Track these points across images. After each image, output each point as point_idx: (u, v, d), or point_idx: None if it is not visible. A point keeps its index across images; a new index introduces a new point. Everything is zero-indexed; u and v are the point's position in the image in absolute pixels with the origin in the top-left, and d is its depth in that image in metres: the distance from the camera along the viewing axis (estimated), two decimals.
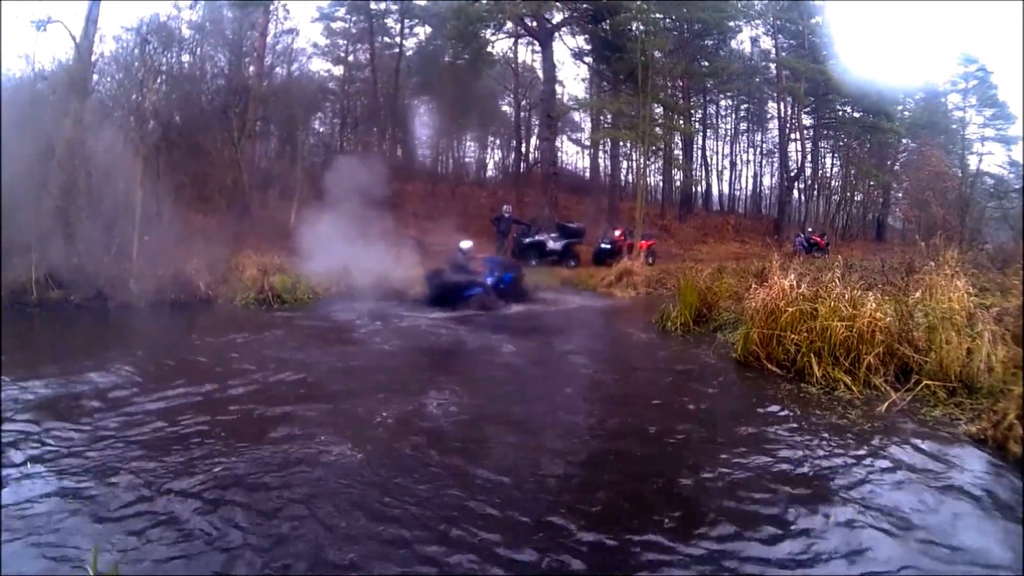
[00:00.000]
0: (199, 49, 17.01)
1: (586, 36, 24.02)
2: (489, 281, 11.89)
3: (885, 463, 4.25)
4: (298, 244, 12.80)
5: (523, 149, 24.83)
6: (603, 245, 17.85)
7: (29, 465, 4.02)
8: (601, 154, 26.66)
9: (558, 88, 23.40)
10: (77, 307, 12.32)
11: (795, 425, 5.01)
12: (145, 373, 6.41)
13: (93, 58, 15.19)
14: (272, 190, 14.77)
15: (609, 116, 24.51)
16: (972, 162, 25.78)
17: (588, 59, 25.24)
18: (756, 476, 4.02)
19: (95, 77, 15.36)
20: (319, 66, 21.28)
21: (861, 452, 4.45)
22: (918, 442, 4.60)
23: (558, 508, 3.59)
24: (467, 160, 24.65)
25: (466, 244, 12.30)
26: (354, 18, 22.23)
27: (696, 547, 3.21)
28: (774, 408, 5.47)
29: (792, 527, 3.41)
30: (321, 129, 18.07)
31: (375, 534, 3.29)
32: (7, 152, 12.99)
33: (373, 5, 22.11)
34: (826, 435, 4.77)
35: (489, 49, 23.06)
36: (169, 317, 11.12)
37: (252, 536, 3.25)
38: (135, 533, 3.26)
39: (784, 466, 4.20)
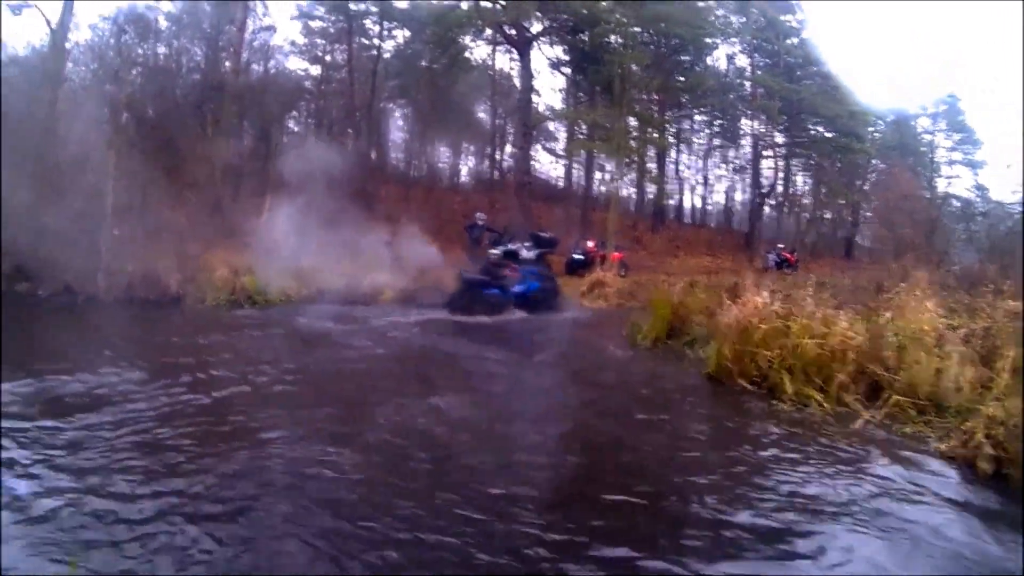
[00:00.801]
0: (175, 42, 16.59)
1: (564, 47, 24.12)
2: (518, 288, 11.90)
3: (869, 479, 4.22)
4: (270, 243, 12.55)
5: (497, 156, 24.76)
6: (575, 256, 17.80)
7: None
8: (575, 164, 26.75)
9: (534, 97, 23.41)
10: (45, 300, 12.07)
11: (773, 442, 4.96)
12: (119, 375, 6.16)
13: (68, 46, 14.83)
14: (243, 187, 14.48)
15: (584, 127, 24.66)
16: (940, 185, 26.40)
17: (566, 69, 25.35)
18: (740, 495, 3.94)
19: (69, 65, 14.98)
20: (296, 64, 21.01)
21: (847, 468, 4.41)
22: (896, 458, 4.58)
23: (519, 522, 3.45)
24: (441, 165, 24.48)
25: (496, 251, 12.51)
26: (333, 17, 21.94)
27: (682, 567, 3.11)
28: (752, 425, 5.43)
29: (792, 546, 3.34)
30: (296, 129, 17.79)
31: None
32: None
33: (352, 5, 21.87)
34: (807, 451, 4.73)
35: (467, 55, 23.07)
36: (139, 315, 10.86)
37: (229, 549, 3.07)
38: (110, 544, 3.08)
39: (768, 483, 4.13)
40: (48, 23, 14.12)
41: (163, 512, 3.41)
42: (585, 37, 22.22)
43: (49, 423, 4.70)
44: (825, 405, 5.78)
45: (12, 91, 14.32)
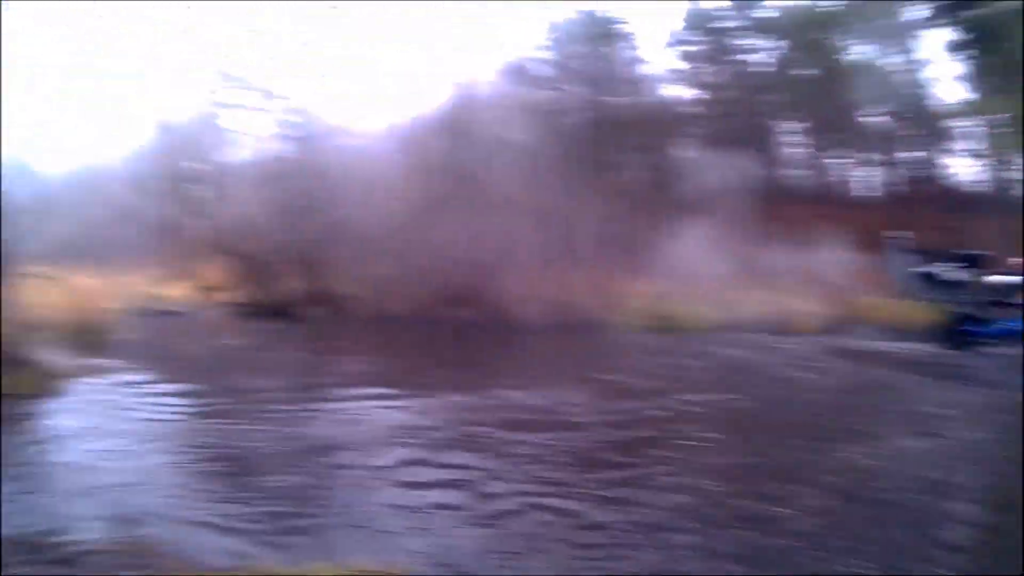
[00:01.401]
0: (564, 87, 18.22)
1: (957, 27, 20.38)
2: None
3: None
4: (682, 270, 12.62)
5: (900, 163, 21.86)
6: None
7: None
8: (989, 164, 22.39)
9: (931, 91, 20.31)
10: (476, 325, 13.63)
11: None
12: (564, 393, 7.07)
13: None
14: (649, 214, 14.97)
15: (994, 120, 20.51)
16: None
17: (961, 55, 21.42)
18: None
19: None
20: (675, 91, 21.39)
21: None
22: None
23: None
24: (838, 178, 22.48)
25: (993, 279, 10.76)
26: (707, 39, 21.90)
27: None
28: None
29: None
30: (689, 153, 18.03)
31: None
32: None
33: (723, 24, 21.62)
34: None
35: (849, 55, 21.04)
36: (562, 339, 11.61)
37: None
38: None
39: None
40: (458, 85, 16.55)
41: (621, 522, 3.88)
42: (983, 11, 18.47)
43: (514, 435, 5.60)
44: None
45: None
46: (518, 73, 19.15)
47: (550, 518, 4.10)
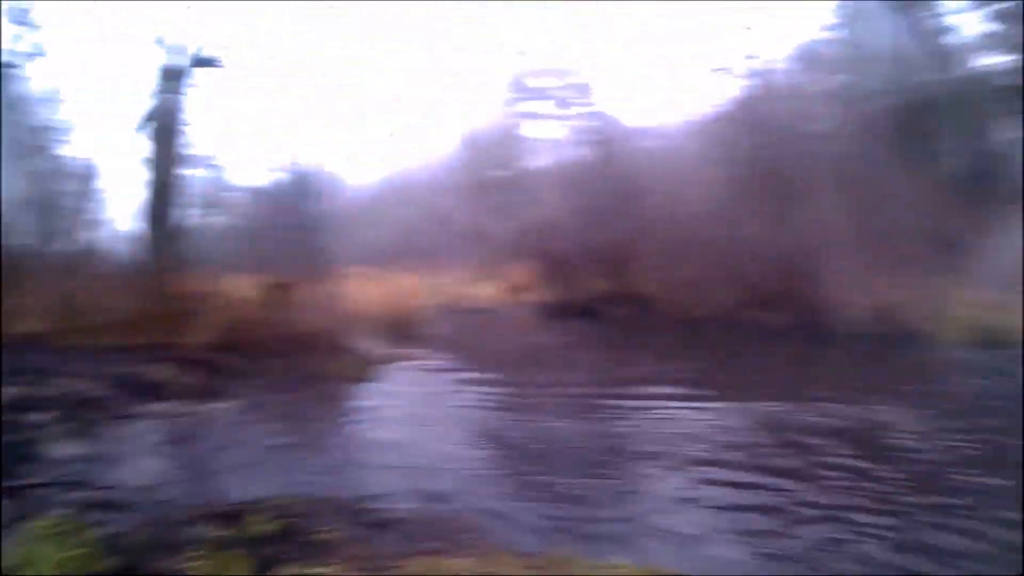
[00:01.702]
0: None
1: None
2: None
3: None
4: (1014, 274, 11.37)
5: None
6: None
7: None
8: None
9: None
10: (776, 329, 13.26)
11: None
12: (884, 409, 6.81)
13: None
14: (983, 213, 13.45)
15: None
16: None
17: None
18: None
19: None
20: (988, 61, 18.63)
21: None
22: None
23: None
24: None
25: None
26: None
27: None
28: None
29: None
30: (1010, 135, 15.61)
31: None
32: None
33: None
34: None
35: None
36: (874, 350, 10.84)
37: None
38: None
39: None
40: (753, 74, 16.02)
41: None
42: None
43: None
44: None
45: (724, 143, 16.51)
46: (810, 57, 18.10)
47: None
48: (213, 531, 3.30)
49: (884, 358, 10.59)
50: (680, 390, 8.10)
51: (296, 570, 3.01)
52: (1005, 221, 13.24)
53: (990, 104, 16.74)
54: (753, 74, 16.23)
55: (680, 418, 6.87)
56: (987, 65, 18.86)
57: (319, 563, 3.07)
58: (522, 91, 19.47)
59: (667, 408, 7.25)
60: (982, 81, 18.07)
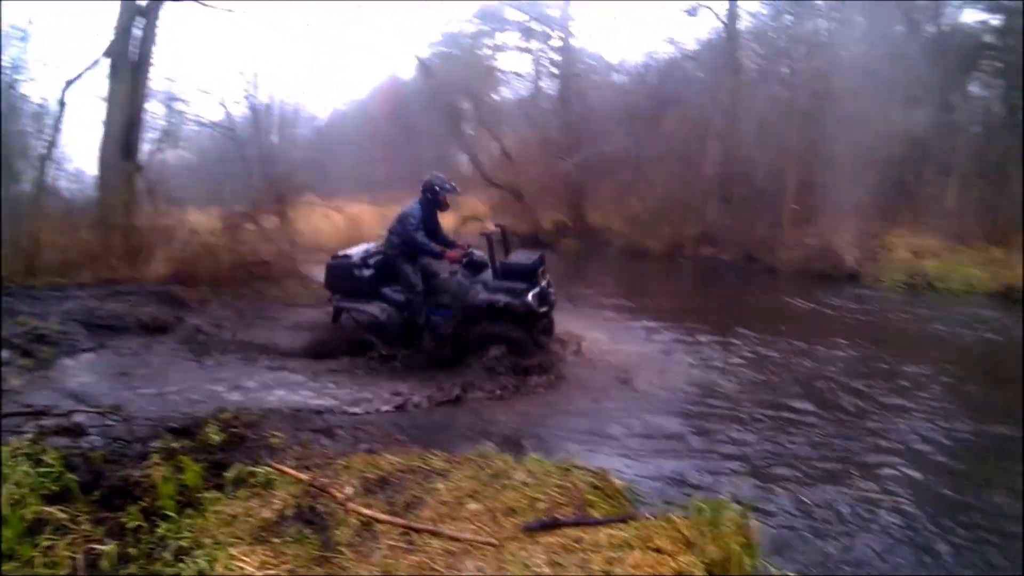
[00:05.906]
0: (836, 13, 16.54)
1: None
2: None
3: None
4: (959, 227, 11.93)
5: None
6: None
7: None
8: None
9: None
10: (726, 265, 13.86)
11: None
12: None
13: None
14: (929, 163, 13.91)
15: None
16: None
17: None
18: None
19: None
20: (972, 16, 18.10)
21: None
22: None
23: None
24: None
25: None
26: None
27: None
28: None
29: None
30: (979, 92, 15.60)
31: None
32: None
33: None
34: None
35: None
36: (815, 288, 11.30)
37: None
38: None
39: None
40: (721, 20, 15.98)
41: None
42: None
43: None
44: None
45: (690, 82, 16.74)
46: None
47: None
48: (168, 444, 3.62)
49: (822, 295, 10.92)
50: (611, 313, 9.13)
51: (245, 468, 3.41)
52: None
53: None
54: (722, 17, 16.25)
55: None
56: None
57: (266, 464, 3.46)
58: (489, 21, 19.27)
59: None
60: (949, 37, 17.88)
